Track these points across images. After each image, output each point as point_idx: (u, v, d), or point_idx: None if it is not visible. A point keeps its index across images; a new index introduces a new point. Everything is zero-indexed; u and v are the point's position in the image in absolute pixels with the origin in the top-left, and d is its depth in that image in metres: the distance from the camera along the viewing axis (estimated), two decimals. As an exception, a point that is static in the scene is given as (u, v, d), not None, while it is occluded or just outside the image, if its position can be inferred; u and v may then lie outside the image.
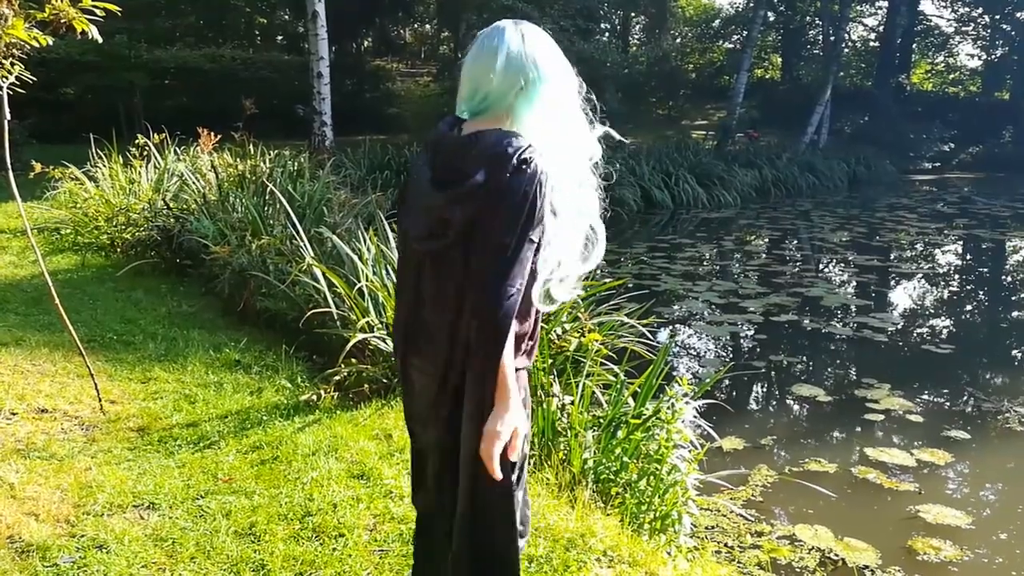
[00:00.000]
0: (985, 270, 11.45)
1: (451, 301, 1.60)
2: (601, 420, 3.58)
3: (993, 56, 27.99)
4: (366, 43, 23.08)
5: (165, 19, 17.21)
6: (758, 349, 6.80)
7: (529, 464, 3.35)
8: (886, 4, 25.84)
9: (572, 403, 3.58)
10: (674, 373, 5.85)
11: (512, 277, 1.51)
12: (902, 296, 9.28)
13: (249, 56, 17.82)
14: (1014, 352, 7.06)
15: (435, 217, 1.59)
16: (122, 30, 13.86)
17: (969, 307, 9.19)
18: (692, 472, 3.34)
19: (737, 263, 10.94)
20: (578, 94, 1.69)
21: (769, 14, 24.78)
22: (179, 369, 4.18)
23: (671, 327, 7.40)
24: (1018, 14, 25.52)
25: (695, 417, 3.80)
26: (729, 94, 21.59)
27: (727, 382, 5.89)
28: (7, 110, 3.28)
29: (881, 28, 26.71)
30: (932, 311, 8.72)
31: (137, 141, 8.50)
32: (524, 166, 1.52)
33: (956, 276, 10.68)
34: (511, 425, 1.58)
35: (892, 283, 9.74)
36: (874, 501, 4.14)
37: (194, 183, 7.24)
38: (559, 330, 4.21)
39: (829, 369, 6.49)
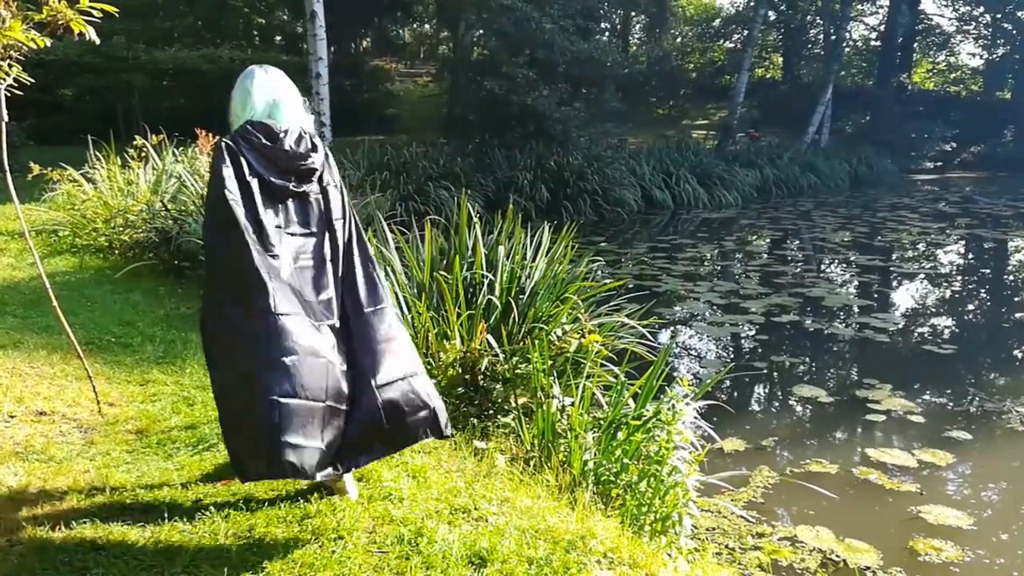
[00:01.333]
0: (987, 270, 11.43)
1: (334, 210, 2.58)
2: (601, 421, 3.56)
3: (994, 55, 28.00)
4: (365, 43, 23.07)
5: (163, 20, 17.19)
6: (759, 350, 6.78)
7: (529, 466, 3.34)
8: (887, 3, 25.84)
9: (572, 404, 3.57)
10: (675, 374, 5.84)
11: None
12: (904, 296, 9.27)
13: (248, 57, 17.77)
14: (1016, 352, 7.05)
15: (306, 170, 2.51)
16: (120, 31, 13.86)
17: (971, 307, 9.17)
18: (693, 473, 3.32)
19: (738, 263, 10.93)
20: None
21: (770, 13, 24.78)
22: (177, 371, 4.17)
23: (672, 328, 7.39)
24: (1019, 13, 25.52)
25: (696, 418, 3.79)
26: (730, 94, 21.60)
27: (728, 383, 5.88)
28: (5, 112, 3.27)
29: (882, 27, 26.71)
30: (934, 311, 8.71)
31: (135, 142, 8.48)
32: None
33: (958, 276, 10.67)
34: None
35: (894, 283, 9.73)
36: (876, 502, 4.13)
37: (192, 184, 7.22)
38: (559, 331, 4.19)
39: (830, 370, 6.48)
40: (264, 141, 2.47)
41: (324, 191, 2.54)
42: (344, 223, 2.57)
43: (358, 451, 2.44)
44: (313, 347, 2.29)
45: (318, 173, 2.53)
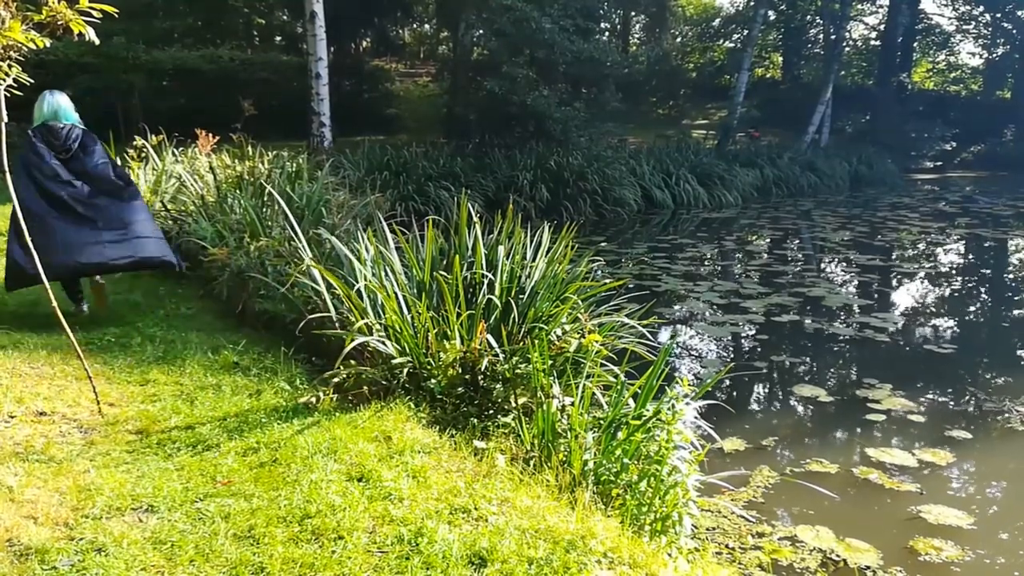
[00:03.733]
0: (987, 269, 11.43)
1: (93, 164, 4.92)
2: (601, 421, 3.56)
3: (994, 55, 27.99)
4: (365, 43, 23.06)
5: (163, 20, 17.17)
6: (759, 349, 6.79)
7: (529, 466, 3.35)
8: (887, 2, 25.84)
9: (572, 404, 3.57)
10: (675, 374, 5.84)
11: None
12: (904, 296, 9.27)
13: (247, 57, 17.78)
14: (1016, 352, 7.04)
15: (68, 147, 4.80)
16: (119, 31, 13.84)
17: (971, 307, 9.17)
18: (693, 473, 3.32)
19: (738, 263, 10.93)
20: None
21: (770, 13, 24.78)
22: (177, 371, 4.17)
23: (672, 328, 7.39)
24: (1019, 12, 25.52)
25: (696, 418, 3.79)
26: (730, 93, 21.59)
27: (728, 383, 5.88)
28: (5, 112, 3.27)
29: (882, 27, 26.70)
30: (934, 311, 8.71)
31: (135, 143, 8.49)
32: (95, 137, 5.03)
33: (958, 275, 10.67)
34: None
35: (894, 283, 9.73)
36: (876, 502, 4.13)
37: (192, 185, 7.22)
38: (559, 331, 4.19)
39: (831, 369, 6.48)
40: (49, 135, 4.77)
41: (82, 155, 4.81)
42: (98, 166, 4.86)
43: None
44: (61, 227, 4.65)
45: (76, 148, 4.79)
